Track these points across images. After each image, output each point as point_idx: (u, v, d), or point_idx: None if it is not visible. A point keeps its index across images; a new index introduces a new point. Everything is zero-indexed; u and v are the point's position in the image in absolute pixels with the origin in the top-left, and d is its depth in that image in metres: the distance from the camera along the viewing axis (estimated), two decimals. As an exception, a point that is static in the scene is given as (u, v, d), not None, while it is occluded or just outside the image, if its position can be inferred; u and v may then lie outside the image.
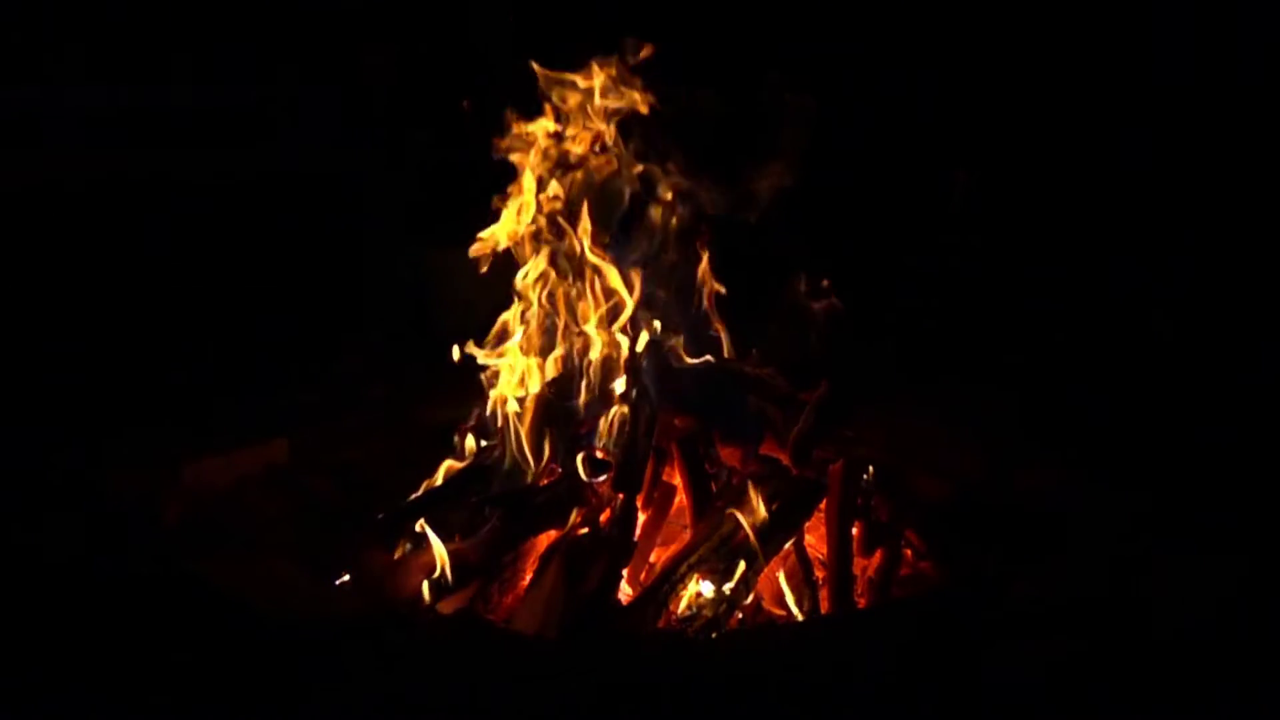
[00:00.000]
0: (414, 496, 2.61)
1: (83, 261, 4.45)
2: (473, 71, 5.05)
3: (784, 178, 2.72)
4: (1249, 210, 4.51)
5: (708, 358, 2.75)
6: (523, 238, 2.70)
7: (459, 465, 2.66)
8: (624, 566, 2.35)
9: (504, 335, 2.75)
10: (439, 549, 2.28)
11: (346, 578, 2.37)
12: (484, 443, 2.70)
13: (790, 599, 2.44)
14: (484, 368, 2.72)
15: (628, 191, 2.70)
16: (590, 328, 2.68)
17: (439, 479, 2.65)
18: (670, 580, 2.26)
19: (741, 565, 2.32)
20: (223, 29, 5.45)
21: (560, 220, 2.68)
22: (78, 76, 5.23)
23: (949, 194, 5.10)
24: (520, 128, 2.69)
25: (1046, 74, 4.96)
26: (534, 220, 2.69)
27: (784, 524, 2.41)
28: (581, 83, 2.66)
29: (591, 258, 2.68)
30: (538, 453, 2.56)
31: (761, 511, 2.38)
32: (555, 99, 2.68)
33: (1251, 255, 4.37)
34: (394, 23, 5.58)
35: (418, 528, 2.39)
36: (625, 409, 2.54)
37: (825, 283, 2.78)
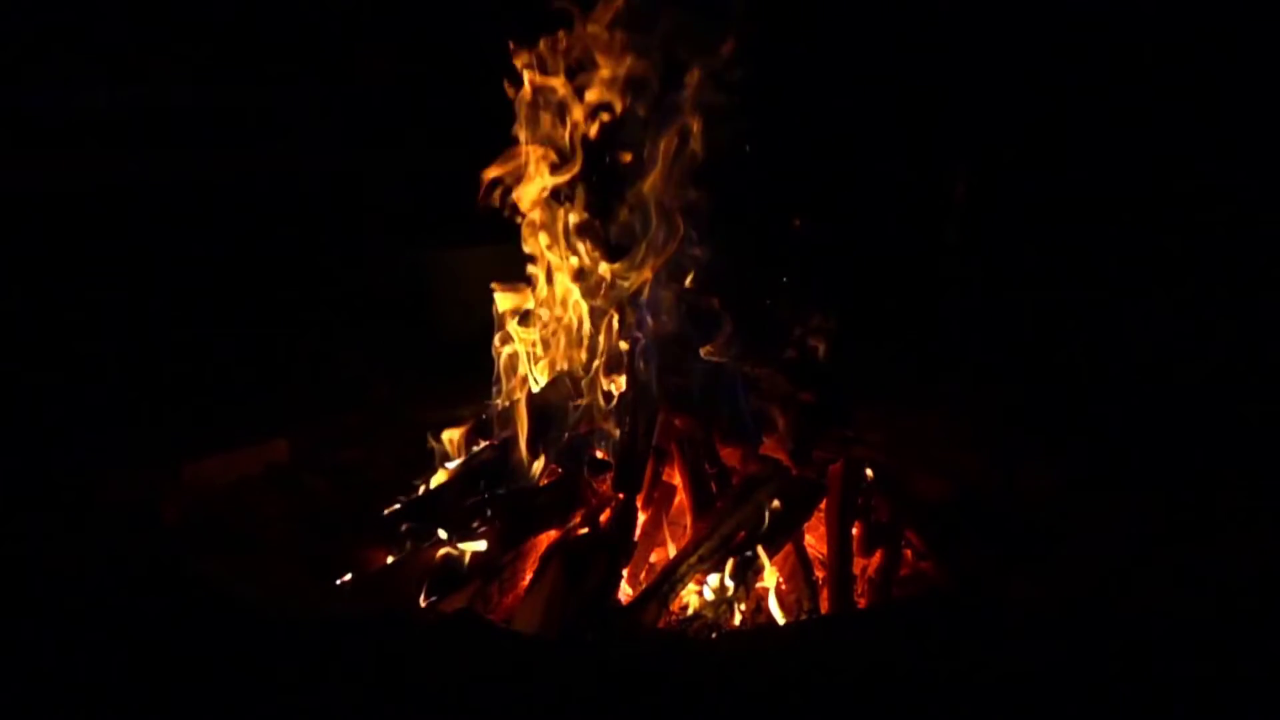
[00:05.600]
0: (415, 496, 2.62)
1: (83, 261, 4.45)
2: (471, 72, 5.05)
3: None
4: (1249, 208, 4.51)
5: (708, 358, 2.75)
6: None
7: (459, 465, 2.66)
8: (624, 566, 2.35)
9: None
10: (468, 546, 2.30)
11: (347, 578, 2.37)
12: (484, 443, 2.70)
13: (789, 600, 2.44)
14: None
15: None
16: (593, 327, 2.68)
17: (440, 479, 2.65)
18: (670, 580, 2.26)
19: (741, 566, 2.33)
20: (223, 29, 5.45)
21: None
22: (79, 77, 5.23)
23: (951, 191, 5.11)
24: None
25: (1047, 71, 4.96)
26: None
27: (784, 524, 2.41)
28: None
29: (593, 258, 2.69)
30: (538, 453, 2.56)
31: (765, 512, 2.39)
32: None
33: (1251, 256, 4.37)
34: (394, 23, 5.59)
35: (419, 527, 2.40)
36: (625, 409, 2.55)
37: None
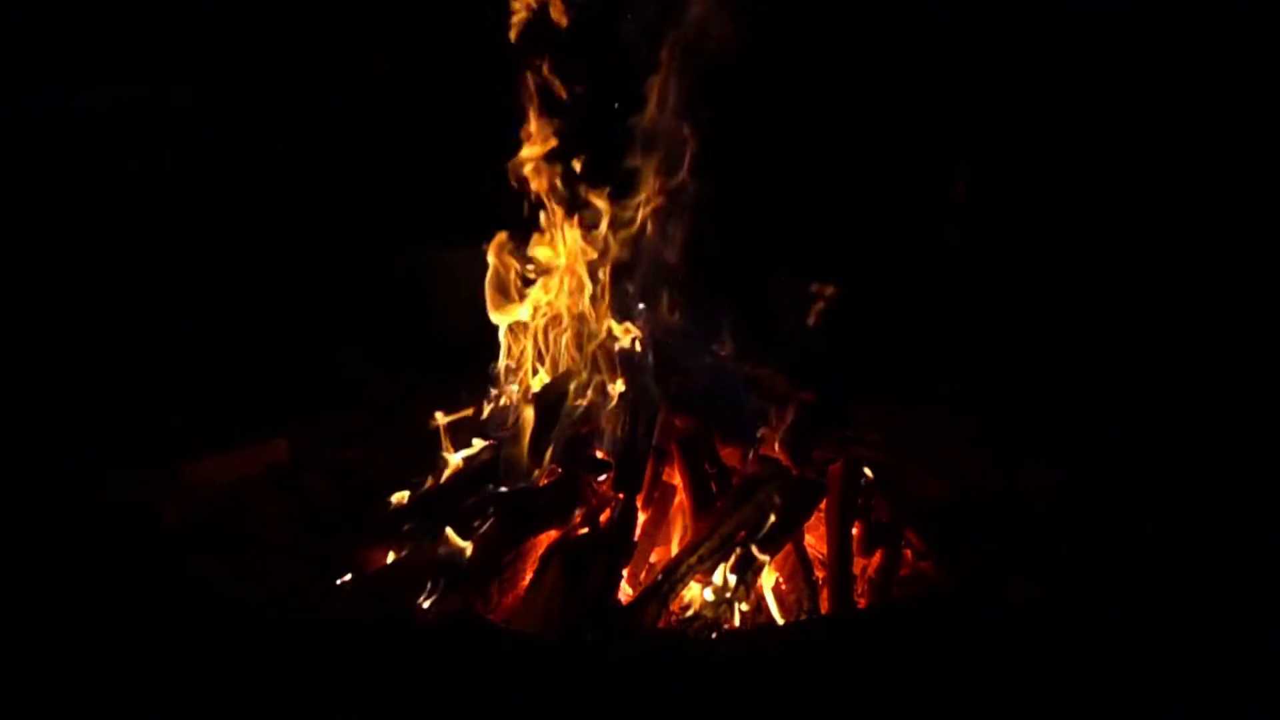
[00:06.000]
0: (416, 496, 2.62)
1: (83, 261, 4.45)
2: (472, 71, 5.05)
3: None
4: (1249, 208, 4.52)
5: (708, 357, 2.76)
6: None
7: (460, 466, 2.66)
8: (624, 566, 2.35)
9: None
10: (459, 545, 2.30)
11: (347, 578, 2.37)
12: (485, 442, 2.70)
13: (789, 600, 2.44)
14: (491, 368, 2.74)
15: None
16: (595, 327, 2.69)
17: (440, 479, 2.65)
18: (670, 580, 2.26)
19: (742, 565, 2.33)
20: (223, 29, 5.45)
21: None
22: (79, 77, 5.23)
23: (951, 191, 5.11)
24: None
25: (1047, 70, 4.96)
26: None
27: (784, 524, 2.41)
28: None
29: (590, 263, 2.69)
30: (538, 453, 2.56)
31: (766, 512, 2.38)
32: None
33: (1251, 256, 4.37)
34: (394, 23, 5.59)
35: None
36: (625, 409, 2.55)
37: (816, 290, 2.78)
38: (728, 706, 1.76)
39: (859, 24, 5.07)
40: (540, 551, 2.38)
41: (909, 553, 2.60)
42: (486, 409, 2.77)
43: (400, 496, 2.60)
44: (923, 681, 1.82)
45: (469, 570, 2.31)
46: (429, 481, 2.65)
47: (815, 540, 2.57)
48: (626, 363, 2.64)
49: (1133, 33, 4.77)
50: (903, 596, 2.48)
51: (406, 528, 2.42)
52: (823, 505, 2.53)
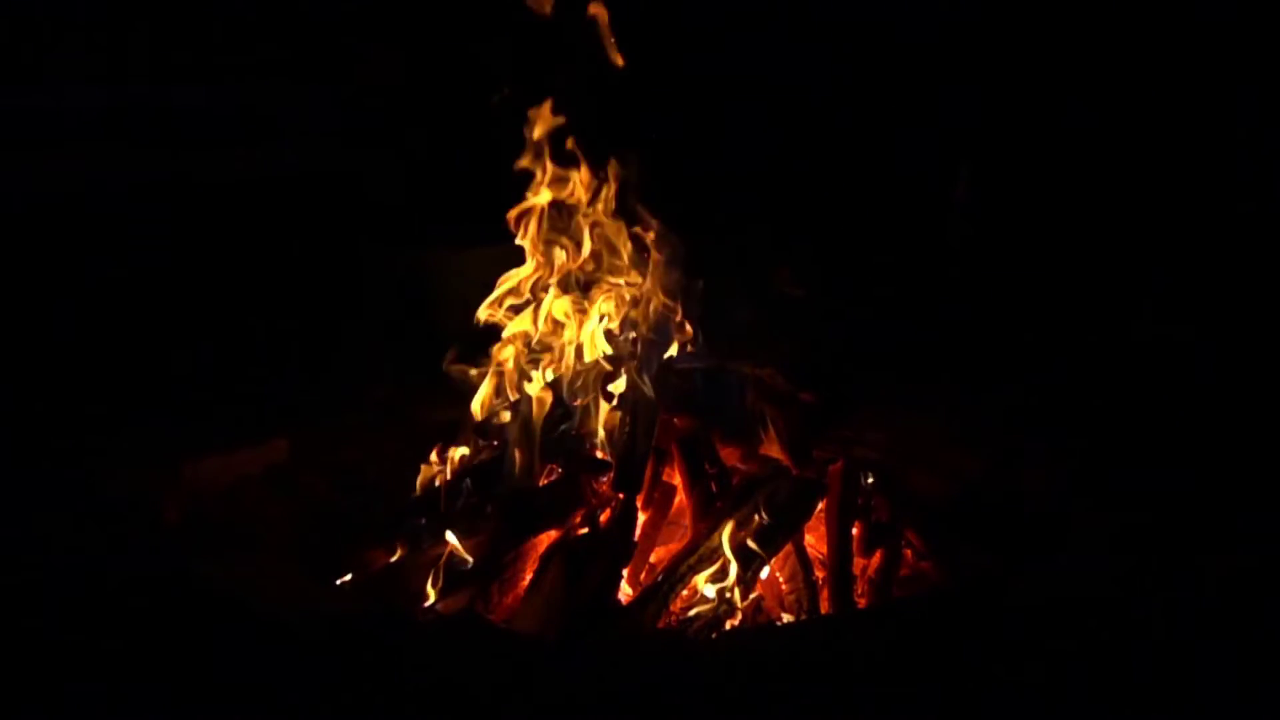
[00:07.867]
0: (415, 496, 2.62)
1: (82, 261, 4.45)
2: (472, 72, 5.06)
3: None
4: (1253, 207, 4.52)
5: (708, 357, 2.76)
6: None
7: (460, 465, 2.66)
8: (624, 566, 2.35)
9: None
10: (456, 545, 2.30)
11: (347, 578, 2.37)
12: (483, 442, 2.70)
13: (789, 600, 2.44)
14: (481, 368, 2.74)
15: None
16: (591, 328, 2.69)
17: (439, 480, 2.65)
18: (670, 580, 2.26)
19: (742, 565, 2.33)
20: (223, 29, 5.45)
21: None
22: (78, 76, 5.24)
23: (953, 189, 5.11)
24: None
25: (1048, 68, 4.96)
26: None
27: (784, 524, 2.41)
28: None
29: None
30: (538, 453, 2.55)
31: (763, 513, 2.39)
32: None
33: (1254, 255, 4.37)
34: (394, 23, 5.59)
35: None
36: (625, 409, 2.55)
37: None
38: (728, 706, 1.76)
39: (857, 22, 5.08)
40: (540, 551, 2.38)
41: (909, 553, 2.60)
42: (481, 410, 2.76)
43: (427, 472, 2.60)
44: (923, 681, 1.82)
45: (469, 570, 2.31)
46: (432, 478, 2.65)
47: (815, 540, 2.58)
48: (626, 363, 2.64)
49: (1135, 30, 4.77)
50: (903, 596, 2.48)
51: (420, 522, 2.42)
52: (823, 505, 2.53)
